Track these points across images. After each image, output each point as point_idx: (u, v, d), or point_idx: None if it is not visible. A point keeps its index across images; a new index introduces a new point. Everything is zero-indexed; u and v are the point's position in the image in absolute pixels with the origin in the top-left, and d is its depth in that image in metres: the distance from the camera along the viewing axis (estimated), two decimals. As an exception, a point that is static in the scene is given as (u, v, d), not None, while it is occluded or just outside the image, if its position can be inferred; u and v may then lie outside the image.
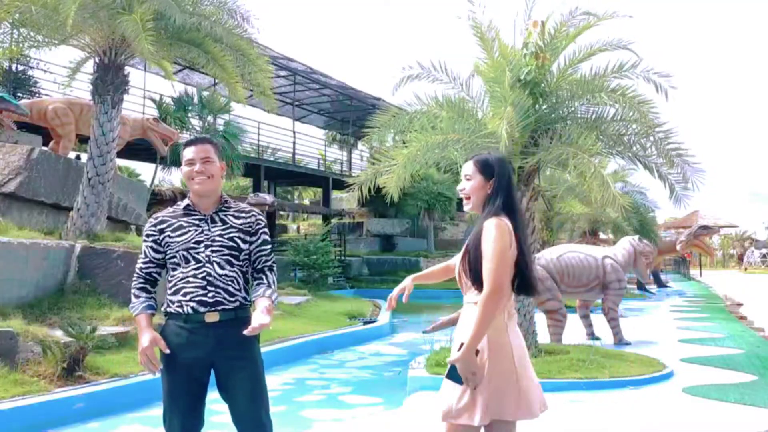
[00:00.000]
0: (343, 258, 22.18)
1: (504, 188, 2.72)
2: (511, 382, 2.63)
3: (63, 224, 9.88)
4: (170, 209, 3.01)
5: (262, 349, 3.06)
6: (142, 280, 2.94)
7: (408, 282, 3.11)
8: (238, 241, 2.92)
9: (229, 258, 2.89)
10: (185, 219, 2.94)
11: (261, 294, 2.90)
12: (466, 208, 2.82)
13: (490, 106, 7.59)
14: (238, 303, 2.88)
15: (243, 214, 2.99)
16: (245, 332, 2.75)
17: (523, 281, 2.73)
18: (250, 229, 2.96)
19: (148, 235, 2.94)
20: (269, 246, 3.03)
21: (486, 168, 2.74)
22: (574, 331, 9.81)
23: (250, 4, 11.88)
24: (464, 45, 7.59)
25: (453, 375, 2.59)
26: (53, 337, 6.18)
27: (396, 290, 3.09)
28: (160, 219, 2.96)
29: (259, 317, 2.76)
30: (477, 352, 2.56)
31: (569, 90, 7.37)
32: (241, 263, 2.93)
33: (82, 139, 12.26)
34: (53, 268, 8.07)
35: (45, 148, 11.14)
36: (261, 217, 3.04)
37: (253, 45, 10.48)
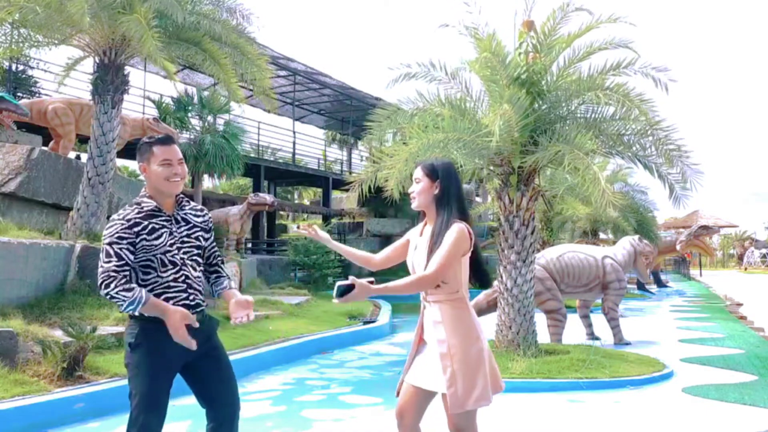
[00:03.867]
0: (343, 258, 22.15)
1: (455, 192, 3.05)
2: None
3: (63, 224, 9.87)
4: (133, 209, 2.90)
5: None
6: (124, 279, 2.76)
7: (324, 235, 3.31)
8: (201, 239, 3.05)
9: (197, 258, 3.02)
10: (154, 220, 2.90)
11: (228, 287, 3.12)
12: (413, 205, 3.11)
13: (489, 105, 7.60)
14: (205, 302, 3.04)
15: (200, 212, 3.10)
16: (234, 323, 2.98)
17: (481, 275, 3.14)
18: (207, 227, 3.09)
19: (121, 237, 2.80)
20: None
21: (432, 172, 3.07)
22: (574, 331, 9.81)
23: (250, 4, 11.86)
24: (464, 43, 7.58)
25: (340, 292, 2.77)
26: (53, 337, 6.18)
27: (311, 230, 3.30)
28: (133, 221, 2.85)
29: (243, 310, 2.97)
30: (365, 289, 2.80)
31: (568, 89, 7.37)
32: (202, 261, 3.07)
33: (82, 139, 12.26)
34: (53, 268, 8.06)
35: (45, 148, 11.14)
36: (210, 214, 3.18)
37: (252, 44, 10.47)
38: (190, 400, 3.12)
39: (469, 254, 3.01)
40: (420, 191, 3.06)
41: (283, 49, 21.69)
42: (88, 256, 8.40)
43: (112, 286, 2.74)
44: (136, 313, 2.82)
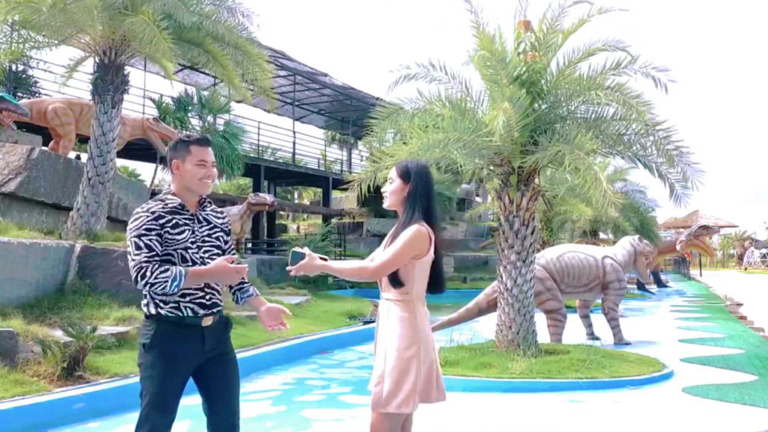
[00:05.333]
0: (343, 258, 22.19)
1: (424, 194, 3.04)
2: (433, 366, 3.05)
3: (63, 224, 9.87)
4: (157, 204, 2.91)
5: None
6: (158, 265, 2.74)
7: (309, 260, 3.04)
8: (221, 241, 3.06)
9: (216, 258, 2.99)
10: (177, 217, 2.92)
11: (254, 294, 3.12)
12: (384, 204, 3.16)
13: (489, 105, 7.60)
14: (223, 304, 3.01)
15: (220, 215, 3.13)
16: (271, 328, 3.07)
17: (436, 280, 3.08)
18: (227, 229, 3.12)
19: (149, 229, 2.80)
20: None
21: (404, 173, 3.09)
22: (574, 331, 9.81)
23: (251, 3, 11.83)
24: (464, 43, 7.60)
25: (294, 259, 2.97)
26: (53, 337, 6.17)
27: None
28: (157, 213, 2.86)
29: (276, 320, 3.06)
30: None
31: (567, 89, 7.37)
32: None
33: (82, 139, 12.26)
34: (53, 268, 8.06)
35: (45, 148, 11.14)
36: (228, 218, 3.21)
37: (253, 44, 10.47)
38: (190, 401, 3.12)
39: (429, 258, 2.98)
40: (392, 191, 3.10)
41: (283, 49, 21.59)
42: (88, 256, 8.40)
43: (148, 274, 2.71)
44: (170, 293, 2.78)
